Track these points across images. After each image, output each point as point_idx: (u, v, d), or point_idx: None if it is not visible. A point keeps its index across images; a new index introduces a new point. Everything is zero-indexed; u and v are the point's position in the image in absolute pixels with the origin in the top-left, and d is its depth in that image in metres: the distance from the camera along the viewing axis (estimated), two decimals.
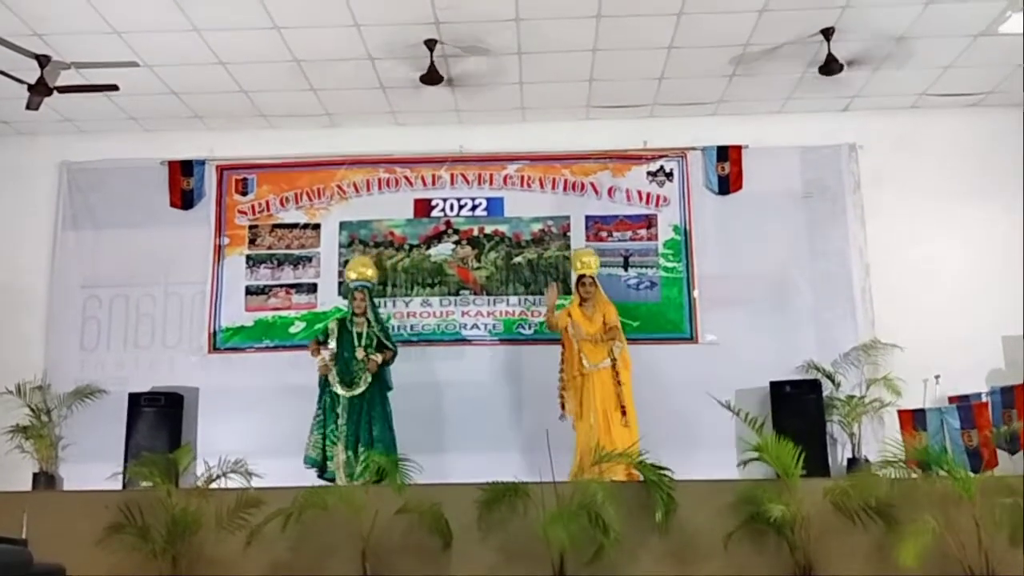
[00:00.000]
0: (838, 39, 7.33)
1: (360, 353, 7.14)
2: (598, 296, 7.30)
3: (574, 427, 7.06)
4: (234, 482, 5.90)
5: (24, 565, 2.55)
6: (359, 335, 7.20)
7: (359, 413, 7.09)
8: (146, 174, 8.93)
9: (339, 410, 7.09)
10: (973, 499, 5.33)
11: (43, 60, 7.07)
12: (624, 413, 6.90)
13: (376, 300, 8.72)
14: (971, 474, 5.74)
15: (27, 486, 7.60)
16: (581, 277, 7.27)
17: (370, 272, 7.48)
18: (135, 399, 7.97)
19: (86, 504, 5.95)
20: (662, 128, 8.85)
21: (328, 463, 6.98)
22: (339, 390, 7.11)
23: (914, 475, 5.63)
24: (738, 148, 8.83)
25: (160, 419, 7.90)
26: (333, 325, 7.43)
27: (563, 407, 7.14)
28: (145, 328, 8.71)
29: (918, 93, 8.53)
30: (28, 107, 7.32)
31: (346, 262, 8.80)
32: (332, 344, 7.29)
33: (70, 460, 7.93)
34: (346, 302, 8.76)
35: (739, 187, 8.78)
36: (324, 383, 7.29)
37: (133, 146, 8.94)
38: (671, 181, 8.89)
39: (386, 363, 7.32)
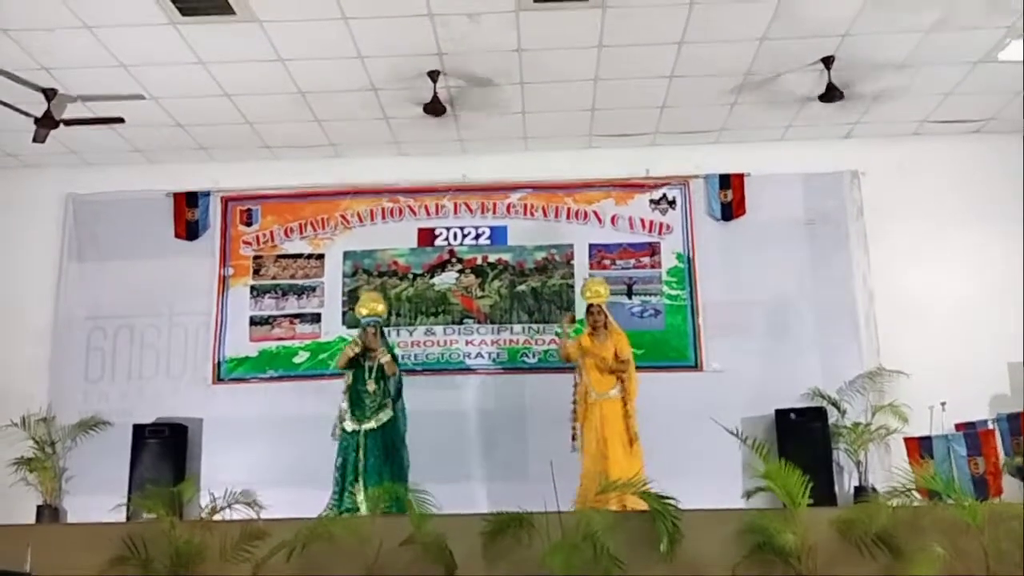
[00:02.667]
0: (839, 67, 7.39)
1: (371, 386, 7.11)
2: (610, 325, 7.28)
3: (580, 455, 7.02)
4: (239, 513, 5.87)
5: None
6: (370, 369, 7.18)
7: (375, 447, 7.01)
8: (151, 205, 8.99)
9: (357, 447, 7.01)
10: (981, 527, 5.27)
11: (49, 93, 7.15)
12: (631, 443, 6.88)
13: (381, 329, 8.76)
14: (978, 501, 5.69)
15: (31, 518, 7.59)
16: (590, 306, 7.23)
17: (380, 307, 7.44)
18: (139, 430, 7.98)
19: (89, 536, 5.90)
20: (664, 156, 8.90)
21: (347, 497, 6.86)
22: (349, 425, 7.06)
23: (918, 504, 5.58)
24: (740, 176, 8.87)
25: (164, 450, 7.90)
26: (360, 347, 7.29)
27: (574, 438, 7.07)
28: (149, 359, 8.73)
29: (919, 120, 8.57)
30: (35, 140, 7.38)
31: (351, 291, 8.87)
32: (347, 380, 7.25)
33: (74, 492, 7.91)
34: (351, 331, 8.82)
35: (742, 214, 8.81)
36: (339, 422, 7.21)
37: (138, 178, 9.01)
38: (674, 209, 8.92)
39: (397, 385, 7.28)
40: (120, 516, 6.79)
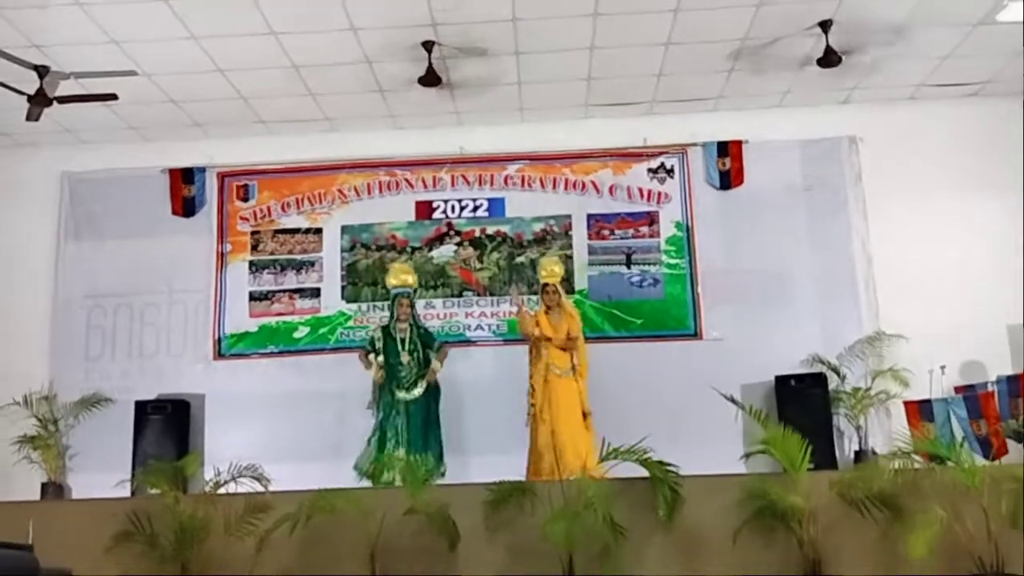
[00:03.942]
0: (836, 31, 7.32)
1: (405, 358, 7.19)
2: (563, 304, 7.30)
3: (530, 428, 7.05)
4: (242, 487, 5.90)
5: (31, 570, 2.55)
6: (403, 341, 7.24)
7: (417, 417, 7.10)
8: (147, 183, 8.96)
9: (399, 415, 7.09)
10: (981, 489, 5.31)
11: (42, 71, 7.08)
12: (585, 417, 7.01)
13: (379, 303, 8.78)
14: (979, 463, 5.72)
15: (36, 496, 7.61)
16: (545, 285, 7.27)
17: (411, 279, 7.53)
18: (141, 407, 7.99)
19: (94, 512, 5.95)
20: (662, 125, 8.85)
21: (385, 472, 6.79)
22: (399, 394, 7.12)
23: (918, 466, 5.60)
24: (738, 143, 8.83)
25: (167, 427, 7.91)
26: (378, 333, 7.42)
27: (530, 413, 7.13)
28: (150, 336, 8.74)
29: (917, 84, 8.52)
30: (28, 118, 7.34)
31: (350, 266, 8.86)
32: (380, 351, 7.27)
33: (78, 469, 7.93)
34: (351, 306, 8.83)
35: (740, 182, 8.78)
36: (380, 392, 7.26)
37: (134, 155, 8.97)
38: (672, 178, 8.89)
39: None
40: (124, 492, 6.82)
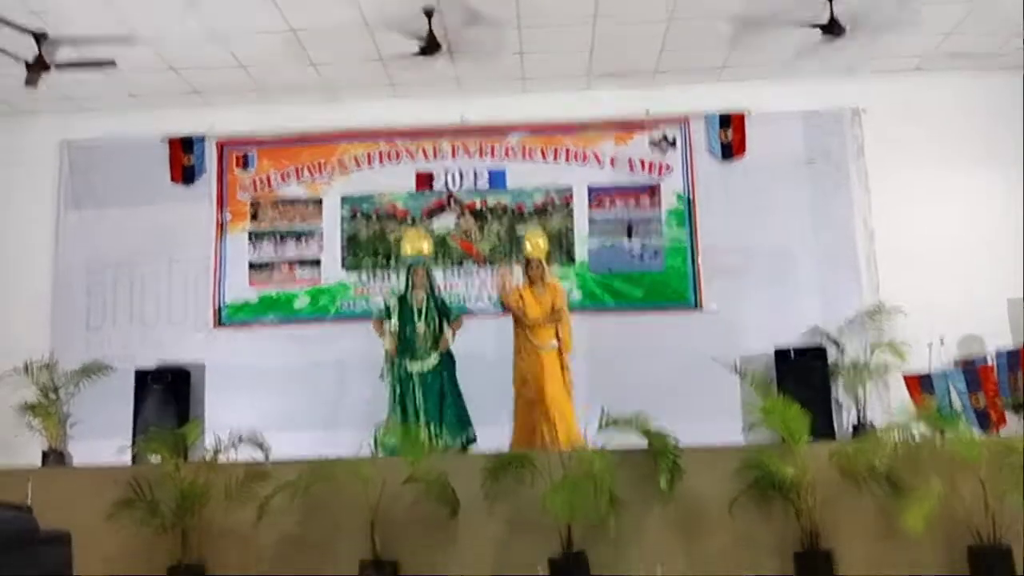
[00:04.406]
0: (840, 1, 7.25)
1: (421, 328, 7.03)
2: (547, 278, 7.29)
3: (514, 401, 7.05)
4: (243, 455, 5.93)
5: (30, 531, 2.57)
6: (419, 310, 7.09)
7: (432, 388, 6.99)
8: (147, 151, 8.93)
9: (416, 388, 6.99)
10: (979, 462, 5.33)
11: (40, 37, 7.03)
12: (566, 390, 7.00)
13: (379, 273, 8.77)
14: (977, 436, 5.74)
15: (37, 464, 7.64)
16: (528, 260, 7.24)
17: (426, 247, 7.36)
18: (142, 376, 7.99)
19: (96, 479, 5.98)
20: (664, 96, 8.80)
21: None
22: (411, 367, 7.01)
23: (918, 438, 5.62)
24: (740, 115, 8.79)
25: (167, 395, 7.91)
26: (394, 302, 7.24)
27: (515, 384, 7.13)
28: (150, 305, 8.75)
29: (921, 56, 8.46)
30: (27, 84, 7.30)
31: (350, 237, 8.84)
32: (394, 320, 7.10)
33: (78, 437, 7.92)
34: (352, 276, 8.82)
35: (742, 154, 8.75)
36: (392, 363, 7.12)
37: (133, 123, 8.93)
38: (674, 149, 8.85)
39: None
40: (125, 460, 6.84)
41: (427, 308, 7.10)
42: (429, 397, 6.95)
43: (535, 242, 7.29)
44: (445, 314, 7.17)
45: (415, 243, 7.32)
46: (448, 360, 7.10)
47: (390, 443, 6.67)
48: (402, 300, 7.16)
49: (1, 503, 2.59)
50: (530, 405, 6.90)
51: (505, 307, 7.22)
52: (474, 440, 6.88)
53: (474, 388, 8.11)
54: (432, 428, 6.81)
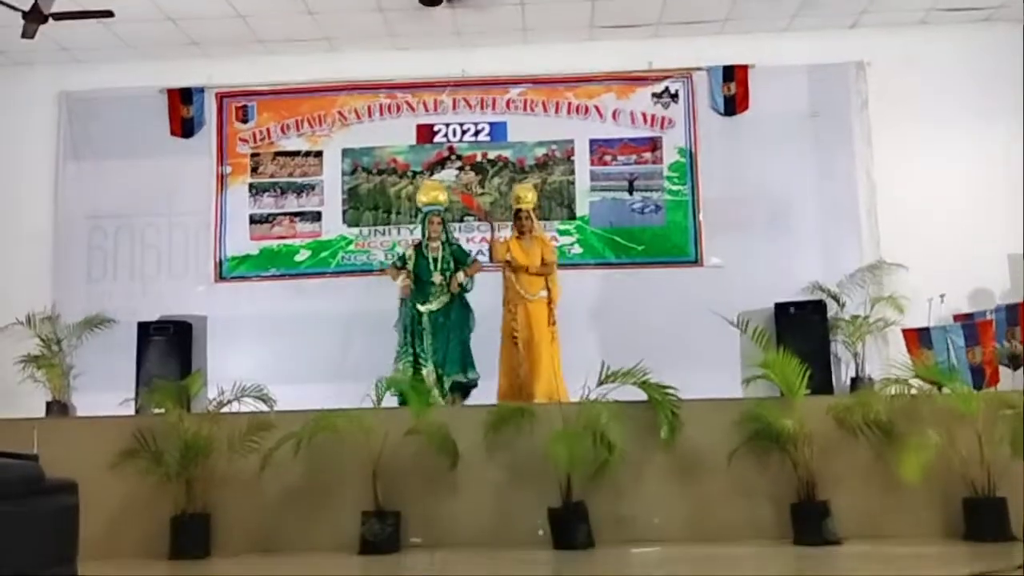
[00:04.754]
0: None
1: (437, 278, 7.02)
2: (536, 230, 7.32)
3: (501, 351, 7.10)
4: (246, 407, 5.97)
5: (36, 479, 2.60)
6: (435, 260, 7.08)
7: (439, 328, 6.99)
8: (145, 103, 8.88)
9: (423, 330, 6.99)
10: (975, 415, 5.37)
11: None
12: (552, 342, 7.05)
13: (380, 227, 8.77)
14: (974, 390, 5.77)
15: (41, 415, 7.70)
16: (518, 211, 7.26)
17: (442, 196, 7.33)
18: (144, 328, 8.02)
19: (100, 430, 6.03)
20: (667, 48, 8.72)
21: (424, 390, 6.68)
22: (421, 308, 7.00)
23: (915, 391, 5.65)
24: (744, 68, 8.71)
25: (169, 348, 7.95)
26: (411, 251, 7.26)
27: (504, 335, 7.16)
28: (151, 258, 8.76)
29: (926, 8, 8.35)
30: (24, 35, 7.21)
31: (351, 190, 8.81)
32: (410, 270, 7.11)
33: (81, 389, 8.01)
34: (352, 230, 8.81)
35: (745, 108, 8.69)
36: (404, 306, 7.12)
37: (131, 75, 8.85)
38: (676, 103, 8.79)
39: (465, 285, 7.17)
40: (128, 411, 6.90)
41: (443, 258, 7.08)
42: (437, 336, 6.95)
43: (524, 195, 7.34)
44: (462, 262, 7.14)
45: (430, 192, 7.29)
46: (460, 303, 7.07)
47: (401, 387, 6.74)
48: (418, 250, 7.14)
49: (8, 452, 2.61)
50: (515, 355, 6.96)
51: (495, 260, 7.28)
52: (474, 382, 6.91)
53: (476, 340, 8.19)
54: (438, 367, 6.83)
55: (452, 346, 6.96)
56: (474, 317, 7.14)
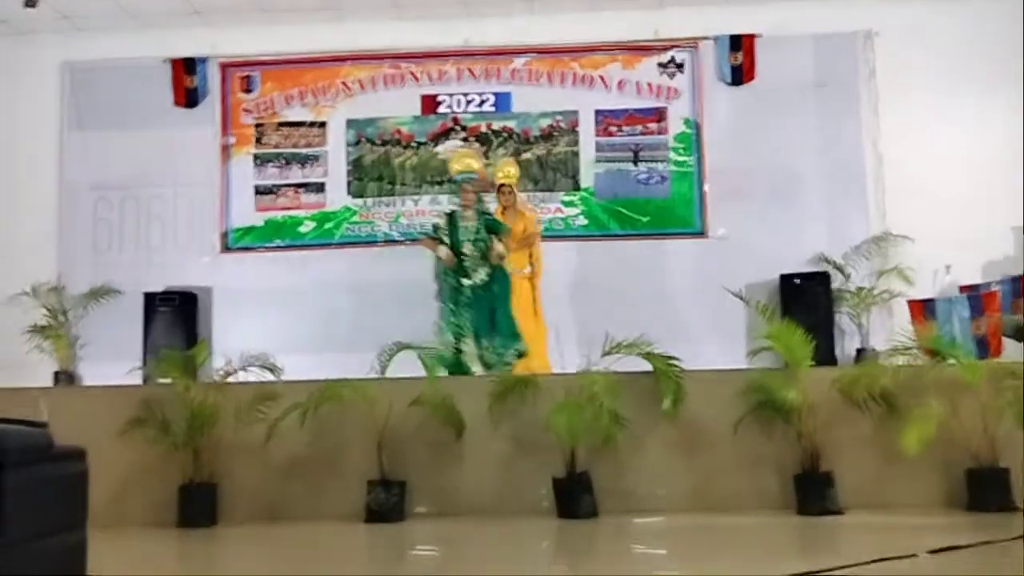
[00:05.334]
0: None
1: (468, 248, 6.90)
2: (519, 205, 7.33)
3: None
4: (252, 376, 6.00)
5: (45, 446, 2.62)
6: (466, 228, 6.96)
7: (483, 303, 6.90)
8: (148, 73, 8.85)
9: (465, 303, 6.90)
10: (979, 386, 5.37)
11: None
12: (535, 315, 7.11)
13: (384, 198, 8.76)
14: (978, 361, 5.77)
15: (48, 385, 7.75)
16: (501, 186, 7.25)
17: (475, 164, 7.19)
18: (150, 299, 8.06)
19: (107, 399, 6.06)
20: (673, 18, 8.67)
21: (461, 358, 6.80)
22: (463, 282, 6.90)
23: (920, 362, 5.66)
24: (751, 37, 8.64)
25: (175, 318, 8.00)
26: (443, 221, 7.13)
27: None
28: (156, 229, 8.77)
29: None
30: (26, 5, 7.19)
31: (355, 160, 8.79)
32: (445, 239, 7.00)
33: (88, 359, 8.06)
34: (356, 201, 8.80)
35: (752, 78, 8.63)
36: (444, 278, 7.04)
37: (134, 44, 8.82)
38: (682, 73, 8.73)
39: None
40: (135, 381, 6.94)
41: (477, 226, 6.99)
42: (480, 312, 6.87)
43: (506, 170, 7.34)
44: (495, 231, 7.02)
45: (462, 160, 7.17)
46: (501, 275, 6.98)
47: (444, 360, 6.70)
48: (451, 219, 7.04)
49: (17, 419, 2.63)
50: None
51: None
52: (524, 353, 6.80)
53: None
54: (481, 343, 6.77)
55: (500, 319, 6.87)
56: (510, 284, 7.05)
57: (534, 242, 7.21)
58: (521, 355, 6.79)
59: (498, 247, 6.91)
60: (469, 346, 6.77)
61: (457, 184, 7.10)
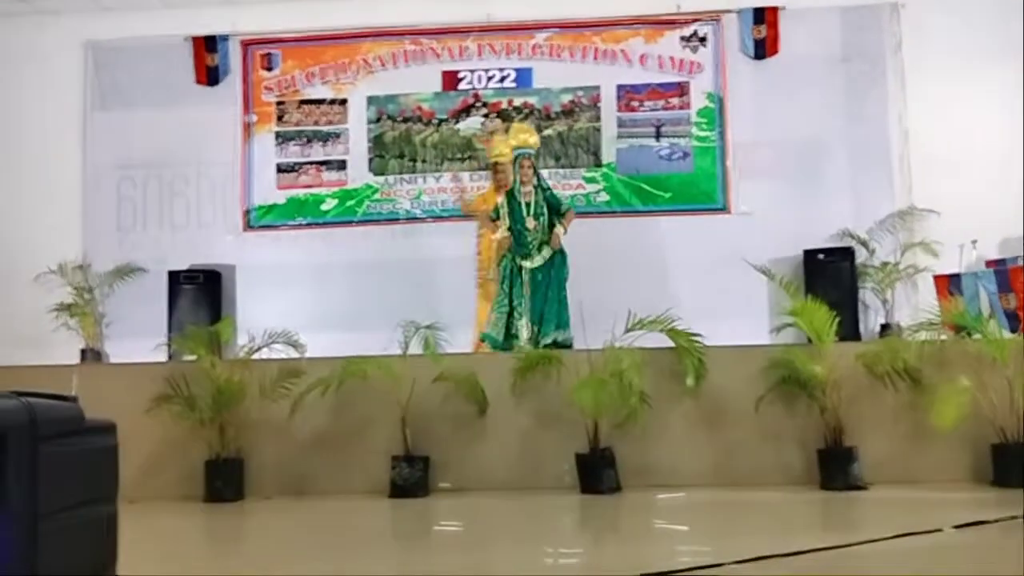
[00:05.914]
0: None
1: (531, 223, 6.84)
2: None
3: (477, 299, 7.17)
4: (276, 353, 6.05)
5: (76, 420, 2.65)
6: (527, 205, 6.89)
7: (540, 285, 6.86)
8: (170, 51, 8.85)
9: (523, 284, 6.86)
10: (1006, 361, 5.33)
11: None
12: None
13: (405, 176, 8.76)
14: (1006, 335, 5.72)
15: (75, 362, 7.84)
16: (495, 164, 7.19)
17: (532, 139, 7.10)
18: (174, 277, 8.11)
19: (134, 376, 6.15)
20: None
21: (513, 339, 6.76)
22: (522, 263, 6.87)
23: (945, 337, 5.61)
24: (775, 10, 8.53)
25: (200, 296, 8.05)
26: (502, 199, 7.07)
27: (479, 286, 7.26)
28: (180, 207, 8.81)
29: None
30: None
31: (376, 138, 8.79)
32: (505, 218, 6.95)
33: (114, 337, 8.14)
34: (378, 179, 8.80)
35: (775, 51, 8.53)
36: (502, 259, 7.04)
37: (156, 23, 8.82)
38: (705, 46, 8.64)
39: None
40: (160, 357, 7.00)
41: (536, 202, 6.90)
42: (535, 294, 6.82)
43: (501, 149, 7.28)
44: (555, 207, 6.94)
45: (519, 135, 7.08)
46: (560, 258, 6.91)
47: (494, 338, 6.75)
48: (510, 195, 6.97)
49: (49, 393, 2.66)
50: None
51: (467, 212, 7.28)
52: (569, 345, 6.63)
53: None
54: (533, 325, 6.71)
55: (550, 304, 6.82)
56: (569, 269, 6.98)
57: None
58: (559, 344, 6.62)
59: (559, 232, 6.84)
60: (523, 330, 6.72)
61: (515, 160, 6.95)
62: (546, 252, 6.84)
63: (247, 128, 8.88)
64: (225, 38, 8.89)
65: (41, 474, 2.43)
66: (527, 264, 6.85)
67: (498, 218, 7.02)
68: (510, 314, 6.80)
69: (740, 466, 5.71)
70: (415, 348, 6.01)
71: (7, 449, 2.37)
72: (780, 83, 8.46)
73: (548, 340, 6.61)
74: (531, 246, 6.85)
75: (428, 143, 8.82)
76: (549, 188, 7.11)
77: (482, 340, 7.00)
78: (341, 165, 8.88)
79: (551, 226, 6.83)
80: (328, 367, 5.79)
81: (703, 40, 8.64)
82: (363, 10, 8.79)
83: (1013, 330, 6.29)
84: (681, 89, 8.65)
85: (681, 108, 8.64)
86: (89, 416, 2.88)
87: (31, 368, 6.17)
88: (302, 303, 8.15)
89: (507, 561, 3.83)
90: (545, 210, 6.87)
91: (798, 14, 8.48)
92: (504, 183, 7.17)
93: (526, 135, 7.08)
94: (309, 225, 8.80)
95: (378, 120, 8.86)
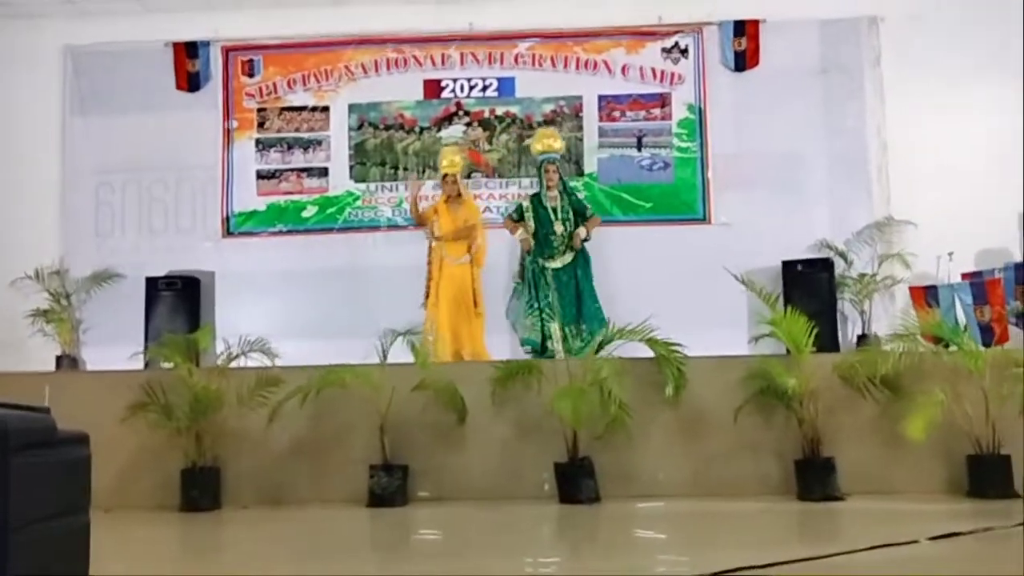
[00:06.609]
0: None
1: (559, 227, 6.93)
2: (464, 194, 7.35)
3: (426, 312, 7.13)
4: (254, 361, 6.01)
5: (48, 431, 2.62)
6: (554, 209, 6.97)
7: (568, 287, 6.93)
8: (151, 57, 8.81)
9: (548, 286, 6.92)
10: (982, 373, 5.37)
11: None
12: (475, 305, 7.08)
13: (387, 183, 8.75)
14: (981, 348, 5.77)
15: (50, 368, 7.76)
16: (445, 176, 7.24)
17: (557, 144, 7.20)
18: (152, 283, 8.04)
19: (110, 383, 6.08)
20: (677, 2, 8.64)
21: (548, 342, 6.82)
22: (546, 264, 6.94)
23: (922, 349, 5.65)
24: (756, 22, 8.60)
25: (178, 302, 7.98)
26: (527, 203, 7.16)
27: (427, 296, 7.21)
28: (158, 213, 8.76)
29: None
30: None
31: (357, 145, 8.78)
32: (530, 222, 7.05)
33: (91, 343, 8.07)
34: (359, 186, 8.79)
35: (756, 63, 8.59)
36: (527, 261, 7.09)
37: (136, 28, 8.78)
38: (686, 58, 8.69)
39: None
40: (137, 364, 6.95)
41: (561, 207, 6.93)
42: (564, 295, 6.87)
43: (451, 159, 7.31)
44: (581, 212, 6.99)
45: (544, 140, 7.12)
46: (583, 258, 6.99)
47: (530, 341, 6.73)
48: (535, 200, 7.00)
49: (20, 404, 2.64)
50: (443, 318, 6.99)
51: (417, 222, 7.33)
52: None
53: (487, 298, 8.21)
54: (567, 327, 6.69)
55: (587, 303, 6.87)
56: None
57: (471, 234, 7.15)
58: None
59: (581, 233, 6.92)
60: (555, 331, 6.72)
61: (540, 165, 7.08)
62: (568, 254, 6.91)
63: (228, 134, 8.84)
64: (206, 44, 8.86)
65: (12, 486, 2.40)
66: (551, 265, 6.87)
67: (521, 219, 7.02)
68: (541, 319, 6.84)
69: (719, 476, 5.72)
70: (397, 356, 6.02)
71: None
72: (760, 95, 8.53)
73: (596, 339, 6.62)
74: (556, 250, 6.91)
75: (410, 151, 8.82)
76: (574, 193, 7.16)
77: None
78: (322, 172, 8.85)
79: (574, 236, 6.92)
80: (306, 375, 5.76)
81: (684, 52, 8.69)
82: (345, 18, 8.78)
83: (986, 344, 6.34)
84: (662, 100, 8.69)
85: (662, 119, 8.68)
86: (62, 426, 2.86)
87: (4, 375, 6.10)
88: (282, 310, 8.12)
89: (485, 570, 3.81)
90: (572, 215, 6.92)
91: (778, 27, 8.55)
92: (452, 193, 7.19)
93: (551, 140, 7.13)
94: (289, 232, 8.77)
95: (360, 127, 8.85)
